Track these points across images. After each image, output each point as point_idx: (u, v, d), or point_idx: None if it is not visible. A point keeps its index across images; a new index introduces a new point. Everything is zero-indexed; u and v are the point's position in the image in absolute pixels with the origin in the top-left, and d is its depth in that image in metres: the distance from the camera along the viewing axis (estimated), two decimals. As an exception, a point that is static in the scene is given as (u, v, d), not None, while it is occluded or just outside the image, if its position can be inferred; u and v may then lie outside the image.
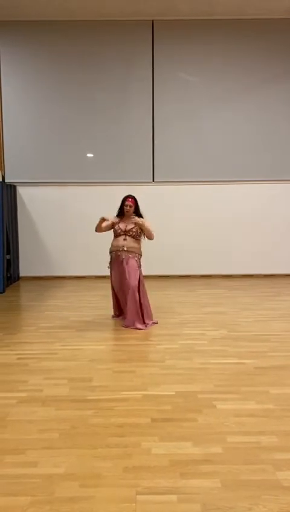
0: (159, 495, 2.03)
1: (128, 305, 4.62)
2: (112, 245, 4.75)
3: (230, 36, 7.24)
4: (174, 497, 2.01)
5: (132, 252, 4.65)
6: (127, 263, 4.63)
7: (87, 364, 3.66)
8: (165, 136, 7.41)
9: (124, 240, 4.65)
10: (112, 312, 5.08)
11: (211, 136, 7.42)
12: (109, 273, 4.86)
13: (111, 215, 4.80)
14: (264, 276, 7.57)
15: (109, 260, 4.80)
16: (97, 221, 4.68)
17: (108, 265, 4.80)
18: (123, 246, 4.64)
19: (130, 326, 4.61)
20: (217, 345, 4.11)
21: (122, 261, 4.64)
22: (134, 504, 1.97)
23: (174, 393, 3.08)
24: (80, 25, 7.18)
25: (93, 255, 7.31)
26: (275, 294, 6.25)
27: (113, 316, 5.04)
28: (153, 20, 7.18)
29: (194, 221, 7.51)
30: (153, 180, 7.43)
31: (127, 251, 4.64)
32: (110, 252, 4.77)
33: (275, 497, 2.02)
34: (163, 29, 7.21)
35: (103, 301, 5.81)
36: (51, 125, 7.41)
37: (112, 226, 4.73)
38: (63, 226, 7.49)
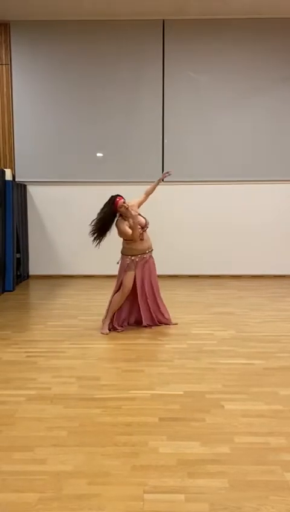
0: (166, 494, 2.03)
1: (158, 303, 4.65)
2: (132, 248, 4.43)
3: (242, 36, 7.19)
4: (181, 497, 2.01)
5: (152, 249, 4.56)
6: (151, 261, 4.56)
7: (96, 363, 3.67)
8: (175, 135, 7.40)
9: (143, 239, 4.45)
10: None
11: (221, 135, 7.39)
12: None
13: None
14: (274, 276, 7.52)
15: (128, 263, 4.47)
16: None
17: (129, 268, 4.46)
18: (148, 248, 4.49)
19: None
20: (226, 345, 4.09)
21: (148, 261, 4.52)
22: (141, 502, 1.98)
23: (182, 392, 3.08)
24: (90, 25, 7.19)
25: (102, 254, 7.28)
26: (284, 295, 6.21)
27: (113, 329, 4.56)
28: (163, 20, 7.18)
29: (204, 221, 7.49)
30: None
31: (151, 251, 4.54)
32: (133, 255, 4.44)
33: (283, 498, 2.01)
34: (174, 29, 7.20)
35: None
36: (61, 125, 7.44)
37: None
38: (73, 225, 7.51)
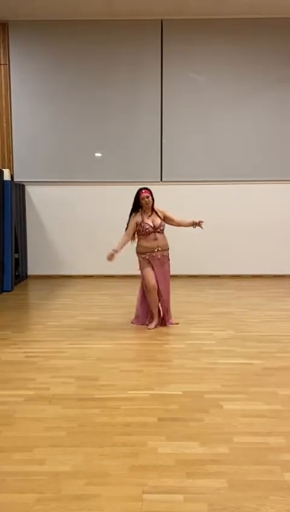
0: (165, 494, 2.03)
1: (169, 303, 4.72)
2: (142, 246, 4.53)
3: (241, 36, 7.20)
4: (180, 497, 2.01)
5: (166, 249, 4.61)
6: (164, 262, 4.61)
7: (95, 363, 3.66)
8: (174, 136, 7.40)
9: (155, 239, 4.51)
10: (134, 317, 4.82)
11: (219, 135, 7.39)
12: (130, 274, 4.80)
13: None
14: (274, 276, 7.52)
15: (138, 261, 4.60)
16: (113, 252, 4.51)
17: (137, 267, 4.61)
18: (158, 247, 4.52)
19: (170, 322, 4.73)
20: (225, 345, 4.09)
21: (159, 260, 4.55)
22: (140, 503, 1.97)
23: (181, 393, 3.07)
24: (88, 25, 7.19)
25: (101, 254, 7.26)
26: (284, 295, 6.21)
27: (140, 323, 4.72)
28: (162, 20, 7.17)
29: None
30: (161, 180, 7.42)
31: (162, 250, 4.57)
32: (142, 253, 4.54)
33: (282, 498, 2.00)
34: (172, 29, 7.19)
35: (111, 300, 5.82)
36: (59, 125, 7.44)
37: (133, 235, 4.54)
38: (71, 225, 7.51)
